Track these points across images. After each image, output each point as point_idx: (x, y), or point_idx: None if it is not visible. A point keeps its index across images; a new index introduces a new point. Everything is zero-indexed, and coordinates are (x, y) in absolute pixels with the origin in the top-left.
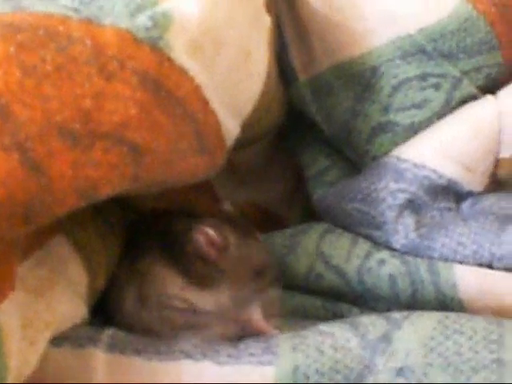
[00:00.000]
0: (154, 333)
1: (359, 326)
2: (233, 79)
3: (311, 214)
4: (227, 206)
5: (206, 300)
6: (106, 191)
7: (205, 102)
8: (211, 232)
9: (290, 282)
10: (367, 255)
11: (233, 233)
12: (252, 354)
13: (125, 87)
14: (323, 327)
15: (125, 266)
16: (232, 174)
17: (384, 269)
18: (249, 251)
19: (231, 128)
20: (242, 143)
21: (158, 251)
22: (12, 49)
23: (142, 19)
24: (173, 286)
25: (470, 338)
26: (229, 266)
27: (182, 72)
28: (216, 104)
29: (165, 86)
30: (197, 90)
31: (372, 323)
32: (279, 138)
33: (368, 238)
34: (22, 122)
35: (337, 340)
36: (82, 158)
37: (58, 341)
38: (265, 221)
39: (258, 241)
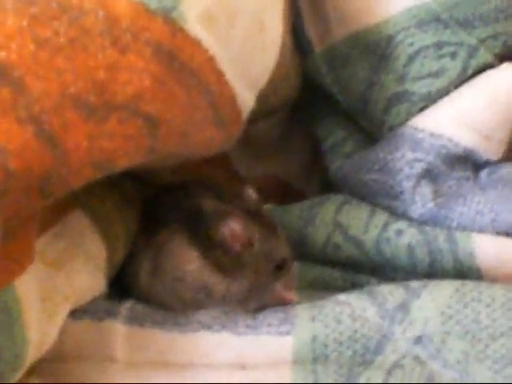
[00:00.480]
0: (165, 306)
1: (377, 295)
2: (247, 50)
3: (329, 186)
4: (251, 193)
5: (221, 286)
6: (121, 163)
7: (219, 74)
8: (238, 227)
9: (308, 254)
10: (385, 225)
11: (258, 229)
12: (270, 325)
13: (138, 59)
14: (341, 297)
15: (142, 239)
16: (249, 147)
17: (402, 239)
18: (271, 247)
19: (246, 100)
20: (257, 115)
21: (178, 226)
22: (25, 22)
23: None
24: (190, 263)
25: (488, 306)
26: (250, 260)
27: (196, 43)
28: (230, 75)
29: (178, 58)
30: (211, 61)
31: (390, 292)
32: (295, 111)
33: (386, 208)
34: (37, 94)
35: (355, 309)
36: (97, 130)
37: (77, 314)
38: (283, 193)
39: (280, 236)
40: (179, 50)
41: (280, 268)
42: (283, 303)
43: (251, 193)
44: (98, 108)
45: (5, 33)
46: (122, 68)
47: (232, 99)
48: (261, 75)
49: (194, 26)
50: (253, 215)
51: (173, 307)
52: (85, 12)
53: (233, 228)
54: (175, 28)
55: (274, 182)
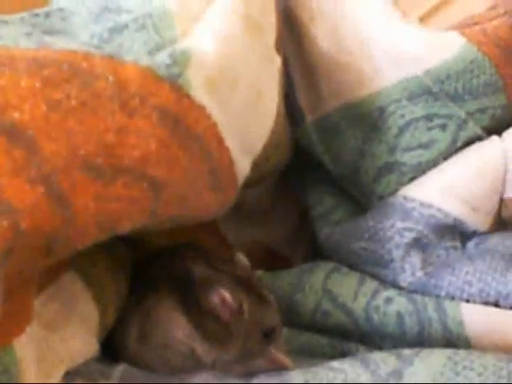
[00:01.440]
0: (154, 371)
1: (370, 362)
2: (246, 117)
3: (316, 253)
4: (242, 259)
5: (210, 354)
6: (126, 225)
7: (220, 140)
8: (227, 295)
9: (297, 320)
10: (374, 293)
11: (247, 297)
12: None
13: (146, 123)
14: (334, 364)
15: (130, 303)
16: (237, 213)
17: (391, 307)
18: (261, 315)
19: (243, 166)
20: (250, 182)
21: (167, 291)
22: (38, 84)
23: (162, 57)
24: (179, 330)
25: (480, 375)
26: (240, 329)
27: (201, 109)
28: (230, 142)
29: (184, 123)
30: (213, 127)
31: (382, 360)
32: (285, 178)
33: (375, 276)
34: (48, 155)
35: (348, 375)
36: (104, 192)
37: (70, 376)
38: (269, 260)
39: (270, 303)
40: (185, 114)
41: (269, 336)
42: (278, 367)
43: (242, 258)
44: (105, 170)
45: (18, 94)
46: (130, 131)
47: (230, 165)
48: (257, 142)
49: (199, 92)
50: (242, 283)
51: (160, 374)
52: (95, 76)
53: (222, 296)
54: (181, 94)
55: (261, 248)
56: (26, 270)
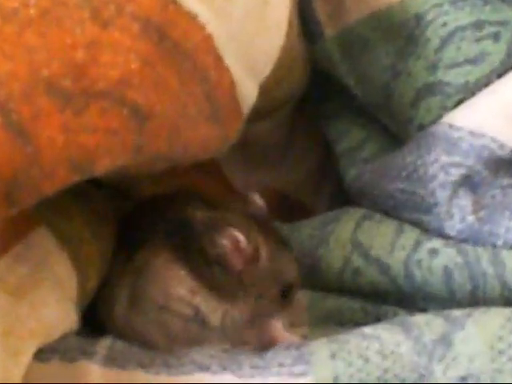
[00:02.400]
0: (148, 343)
1: (411, 326)
2: (249, 29)
3: (342, 200)
4: (256, 198)
5: (217, 312)
6: (103, 164)
7: (217, 57)
8: (241, 238)
9: (321, 281)
10: (415, 245)
11: (265, 241)
12: (282, 365)
13: (124, 36)
14: (367, 330)
15: (118, 262)
16: (244, 154)
17: (436, 261)
18: (280, 266)
19: (248, 91)
20: (257, 113)
21: (162, 244)
22: None
23: None
24: (179, 286)
25: None
26: (254, 281)
27: (191, 18)
28: (230, 60)
29: (171, 35)
30: (208, 40)
31: (427, 323)
32: (301, 108)
33: (415, 224)
34: (3, 76)
35: (385, 344)
36: (74, 122)
37: (44, 354)
38: (286, 209)
39: (290, 254)
40: (172, 25)
41: (286, 294)
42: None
43: (257, 198)
44: (75, 95)
45: None
46: (104, 47)
47: (231, 89)
48: (264, 61)
49: None
50: (258, 224)
51: (158, 344)
52: None
53: (234, 238)
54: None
55: (276, 195)
56: None
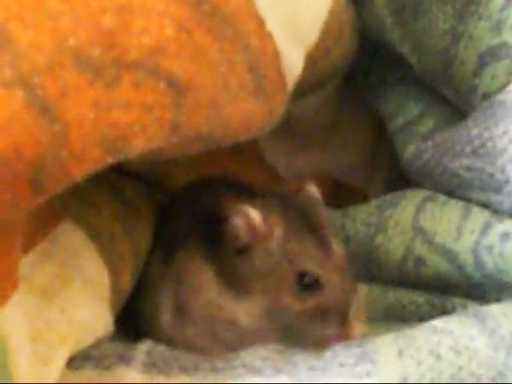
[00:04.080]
0: (200, 352)
1: (487, 318)
2: None
3: (398, 184)
4: (312, 189)
5: (240, 310)
6: (138, 144)
7: (259, 22)
8: (254, 214)
9: (380, 273)
10: (485, 228)
11: (283, 221)
12: (343, 365)
13: None
14: (437, 323)
15: (157, 262)
16: (288, 136)
17: (510, 245)
18: (297, 250)
19: (293, 60)
20: (302, 88)
21: (196, 241)
22: None
23: None
24: (210, 291)
25: None
26: (265, 264)
27: None
28: (273, 24)
29: None
30: (249, 3)
31: (504, 314)
32: (350, 83)
33: (484, 204)
34: (25, 48)
35: (458, 339)
36: (106, 97)
37: (77, 361)
38: (337, 195)
39: (324, 246)
40: None
41: (308, 287)
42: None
43: (314, 190)
44: (105, 67)
45: None
46: (136, 11)
47: (275, 58)
48: (310, 26)
49: None
50: (286, 207)
51: (212, 354)
52: None
53: (247, 215)
54: None
55: (325, 181)
56: (4, 214)
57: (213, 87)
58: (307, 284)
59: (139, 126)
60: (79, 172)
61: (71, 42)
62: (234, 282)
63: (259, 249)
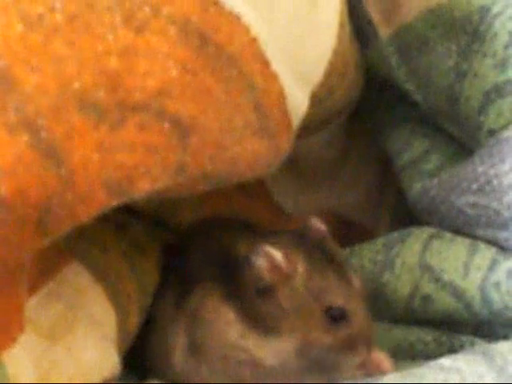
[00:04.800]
0: None
1: (494, 356)
2: (297, 31)
3: (405, 221)
4: (316, 223)
5: (267, 351)
6: (143, 186)
7: (264, 62)
8: (276, 254)
9: (388, 311)
10: (492, 265)
11: (304, 258)
12: None
13: (160, 41)
14: (444, 361)
15: (169, 302)
16: (295, 174)
17: None
18: (323, 287)
19: (298, 100)
20: (308, 126)
21: (211, 284)
22: None
23: None
24: (230, 331)
25: None
26: (292, 302)
27: (234, 19)
28: (278, 65)
29: (213, 39)
30: (253, 44)
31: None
32: (356, 120)
33: (491, 241)
34: (30, 91)
35: (466, 377)
36: (110, 139)
37: None
38: (344, 233)
39: (342, 277)
40: (213, 28)
41: (338, 321)
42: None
43: (318, 224)
44: (110, 109)
45: None
46: (140, 53)
47: (280, 98)
48: (315, 66)
49: None
50: (302, 244)
51: None
52: None
53: (269, 255)
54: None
55: (331, 218)
56: (10, 256)
57: (217, 127)
58: (335, 317)
59: (144, 167)
60: (85, 214)
61: (76, 85)
62: (259, 322)
63: (284, 288)
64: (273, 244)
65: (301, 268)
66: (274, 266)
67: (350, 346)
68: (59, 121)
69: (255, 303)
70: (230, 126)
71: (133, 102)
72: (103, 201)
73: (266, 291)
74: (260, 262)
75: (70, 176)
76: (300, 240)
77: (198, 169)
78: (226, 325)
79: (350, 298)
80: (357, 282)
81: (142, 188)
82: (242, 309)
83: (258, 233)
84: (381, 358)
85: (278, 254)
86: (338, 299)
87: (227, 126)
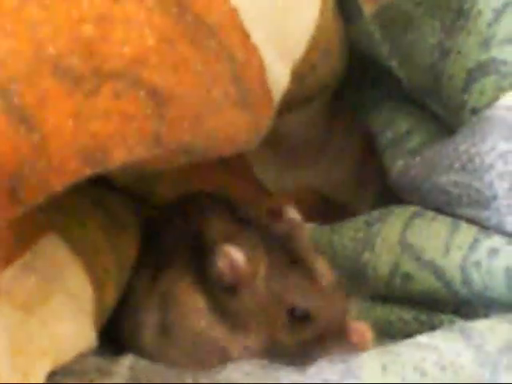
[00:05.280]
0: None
1: (472, 334)
2: (279, 4)
3: (387, 200)
4: (292, 213)
5: (234, 345)
6: (118, 155)
7: (244, 34)
8: (237, 254)
9: (368, 289)
10: (473, 245)
11: (266, 259)
12: (327, 380)
13: (137, 8)
14: (422, 339)
15: (145, 278)
16: (277, 151)
17: (497, 261)
18: (284, 287)
19: (279, 74)
20: (291, 103)
21: (183, 265)
22: None
23: None
24: (200, 321)
25: None
26: (255, 303)
27: None
28: (259, 38)
29: (191, 8)
30: (233, 14)
31: (490, 329)
32: (339, 98)
33: (472, 220)
34: (2, 55)
35: (443, 355)
36: (85, 107)
37: (59, 377)
38: (324, 211)
39: (307, 276)
40: None
41: (300, 321)
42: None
43: (292, 213)
44: (85, 76)
45: None
46: (116, 21)
47: (260, 71)
48: (296, 41)
49: None
50: (269, 241)
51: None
52: None
53: (230, 256)
54: None
55: (313, 196)
56: None
57: (195, 98)
58: (298, 318)
59: (119, 136)
60: (58, 183)
61: (50, 50)
62: (227, 316)
63: (246, 288)
64: (236, 244)
65: (262, 269)
66: (235, 268)
67: (318, 342)
68: (32, 86)
69: (222, 298)
70: (209, 98)
71: (108, 70)
72: (77, 170)
73: (230, 290)
74: (221, 263)
75: (42, 143)
76: (265, 233)
77: (175, 140)
78: (195, 312)
79: (313, 297)
80: (324, 275)
81: (118, 157)
82: (212, 300)
83: (237, 214)
84: (363, 328)
85: (239, 256)
86: (300, 300)
87: (205, 97)
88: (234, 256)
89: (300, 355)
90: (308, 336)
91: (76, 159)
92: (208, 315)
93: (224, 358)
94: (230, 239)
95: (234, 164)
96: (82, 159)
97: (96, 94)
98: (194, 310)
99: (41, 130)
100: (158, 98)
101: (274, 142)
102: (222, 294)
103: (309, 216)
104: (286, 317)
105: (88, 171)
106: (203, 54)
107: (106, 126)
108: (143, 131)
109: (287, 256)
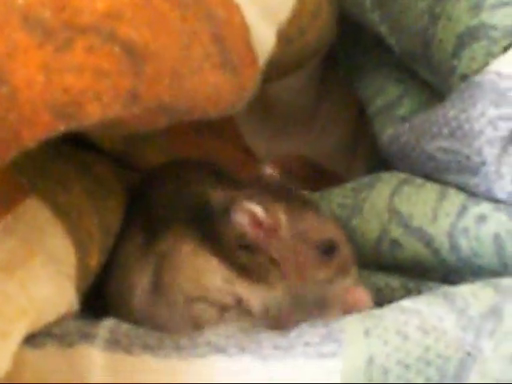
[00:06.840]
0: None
1: (456, 298)
2: None
3: (378, 168)
4: (272, 173)
5: (258, 299)
6: (93, 111)
7: None
8: (257, 209)
9: (356, 255)
10: (461, 211)
11: (283, 207)
12: (308, 344)
13: None
14: (405, 303)
15: (136, 242)
16: (266, 119)
17: (486, 228)
18: (306, 226)
19: (264, 34)
20: (279, 68)
21: (185, 228)
22: None
23: None
24: (213, 276)
25: None
26: (283, 251)
27: None
28: None
29: None
30: None
31: (473, 294)
32: (330, 65)
33: (461, 187)
34: None
35: (426, 319)
36: (56, 60)
37: (38, 338)
38: (315, 180)
39: (318, 213)
40: None
41: (330, 253)
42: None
43: (271, 173)
44: (56, 29)
45: None
46: None
47: (243, 31)
48: (281, 1)
49: None
50: (273, 191)
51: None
52: None
53: (249, 209)
54: None
55: (304, 164)
56: None
57: (173, 56)
58: (326, 250)
59: (93, 92)
60: (30, 136)
61: (20, 1)
62: (245, 271)
63: (271, 241)
64: (251, 198)
65: (283, 218)
66: (257, 223)
67: (343, 270)
68: (2, 37)
69: (239, 255)
70: (188, 56)
71: (81, 24)
72: (49, 124)
73: (250, 246)
74: (241, 220)
75: (12, 95)
76: (272, 188)
77: (153, 99)
78: (208, 270)
79: (331, 227)
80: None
81: (92, 113)
82: (225, 256)
83: (228, 177)
84: (363, 292)
85: (259, 210)
86: (324, 234)
87: (184, 54)
88: (254, 211)
89: (327, 291)
90: (336, 265)
91: (48, 112)
92: (223, 271)
93: (239, 314)
94: (240, 196)
95: (224, 130)
96: (54, 113)
97: (68, 47)
98: (205, 267)
99: (10, 81)
100: (133, 53)
101: (264, 109)
102: (238, 252)
103: (299, 184)
104: (315, 253)
105: (61, 126)
106: (181, 10)
107: (79, 80)
108: (119, 88)
109: (298, 199)
